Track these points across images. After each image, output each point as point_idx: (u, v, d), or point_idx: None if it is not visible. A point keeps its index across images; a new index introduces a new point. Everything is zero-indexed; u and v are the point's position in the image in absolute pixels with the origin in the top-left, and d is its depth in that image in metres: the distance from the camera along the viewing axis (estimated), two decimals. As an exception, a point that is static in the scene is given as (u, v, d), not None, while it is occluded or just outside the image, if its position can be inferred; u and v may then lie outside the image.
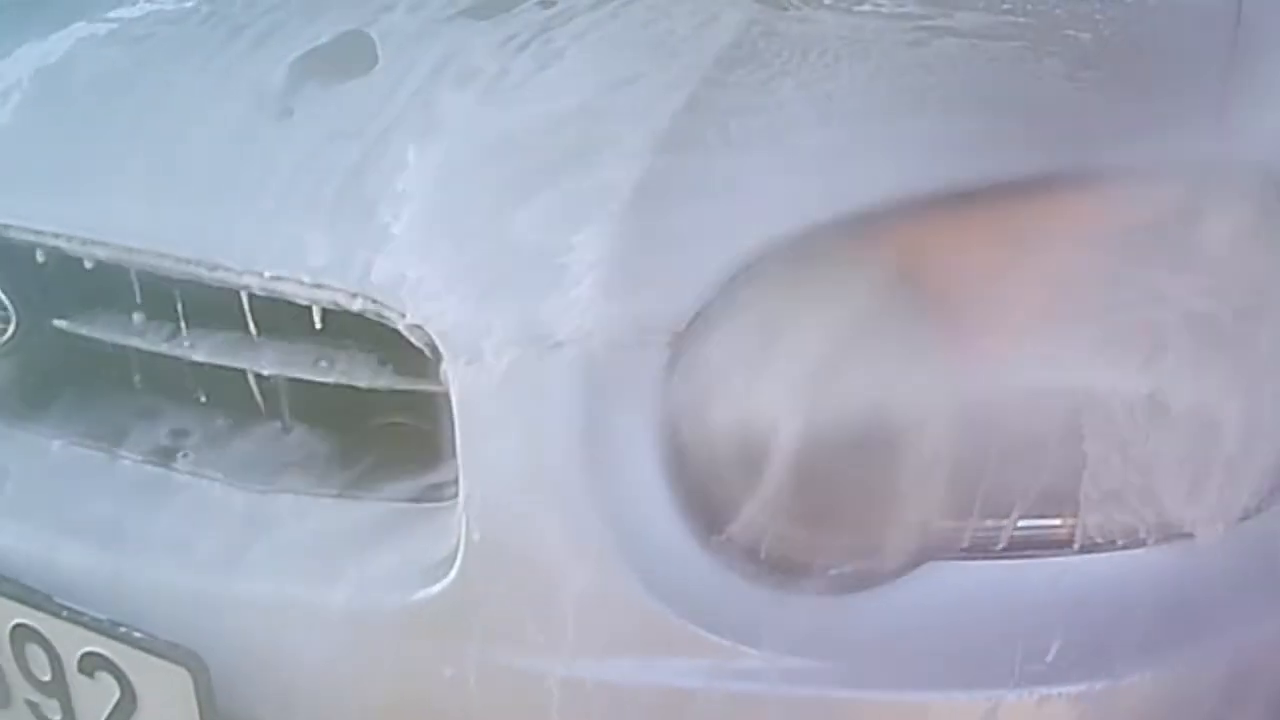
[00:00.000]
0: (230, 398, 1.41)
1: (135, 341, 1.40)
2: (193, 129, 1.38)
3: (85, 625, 1.31)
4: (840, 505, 1.17)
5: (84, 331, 1.42)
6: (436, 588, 1.22)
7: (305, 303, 1.28)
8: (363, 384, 1.30)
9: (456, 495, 1.23)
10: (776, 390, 1.16)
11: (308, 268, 1.27)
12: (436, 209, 1.25)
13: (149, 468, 1.39)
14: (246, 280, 1.30)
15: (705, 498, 1.17)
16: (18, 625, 1.35)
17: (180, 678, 1.27)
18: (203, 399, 1.43)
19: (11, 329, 1.44)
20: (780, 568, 1.17)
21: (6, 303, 1.44)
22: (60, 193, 1.39)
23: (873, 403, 1.15)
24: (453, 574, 1.21)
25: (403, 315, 1.23)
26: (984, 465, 1.15)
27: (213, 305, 1.35)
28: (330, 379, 1.32)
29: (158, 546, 1.33)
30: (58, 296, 1.43)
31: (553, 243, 1.20)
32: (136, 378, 1.46)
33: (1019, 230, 1.16)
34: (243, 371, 1.37)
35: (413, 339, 1.23)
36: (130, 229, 1.35)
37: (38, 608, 1.33)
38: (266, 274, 1.29)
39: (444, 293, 1.22)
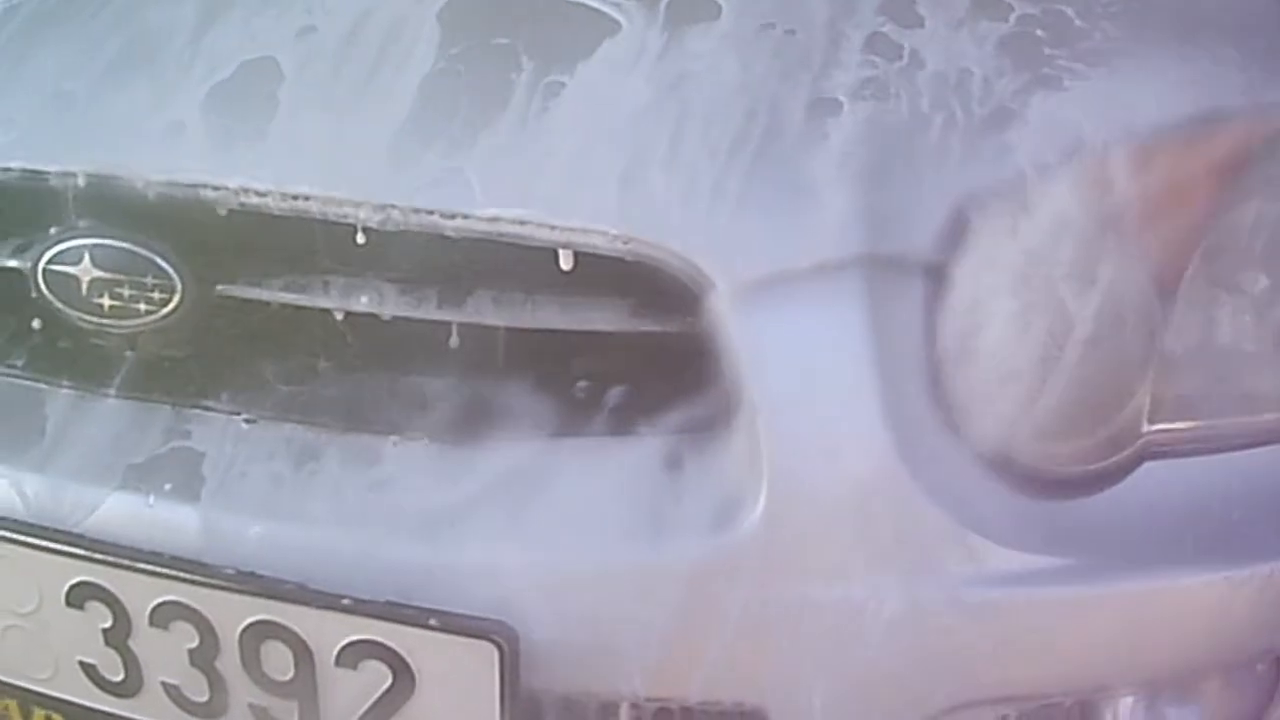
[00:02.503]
0: (426, 357, 1.38)
1: (333, 304, 1.36)
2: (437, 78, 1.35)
3: (352, 612, 1.28)
4: (1073, 414, 1.35)
5: (265, 297, 1.37)
6: (744, 524, 1.27)
7: (564, 248, 1.28)
8: (620, 329, 1.32)
9: (725, 428, 1.29)
10: (1017, 311, 1.33)
11: (573, 213, 1.28)
12: (696, 149, 1.30)
13: (369, 438, 1.35)
14: (496, 228, 1.29)
15: (966, 414, 1.32)
16: (255, 624, 1.30)
17: (481, 653, 1.27)
18: (401, 362, 1.39)
19: (177, 299, 1.37)
20: (1030, 476, 1.34)
21: (172, 272, 1.37)
22: (261, 142, 1.34)
23: (1102, 320, 1.33)
24: (759, 509, 1.26)
25: (675, 254, 1.27)
26: (1194, 372, 1.37)
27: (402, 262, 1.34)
28: (586, 327, 1.32)
29: (416, 520, 1.31)
30: (226, 262, 1.37)
31: (817, 176, 1.29)
32: (317, 345, 1.40)
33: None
34: (435, 327, 1.35)
35: (683, 277, 1.27)
36: (351, 179, 1.32)
37: (286, 600, 1.29)
38: (520, 221, 1.28)
39: (719, 229, 1.27)
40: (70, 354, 1.43)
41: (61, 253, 1.38)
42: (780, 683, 1.28)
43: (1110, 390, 1.30)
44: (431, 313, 1.33)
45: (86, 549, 1.32)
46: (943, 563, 1.26)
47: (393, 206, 1.29)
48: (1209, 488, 1.33)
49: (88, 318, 1.39)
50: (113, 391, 1.40)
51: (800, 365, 1.25)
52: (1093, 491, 1.31)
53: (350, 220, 1.30)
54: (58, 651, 1.37)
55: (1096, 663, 1.31)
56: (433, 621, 1.25)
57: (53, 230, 1.39)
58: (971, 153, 1.29)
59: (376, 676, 1.28)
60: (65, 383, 1.42)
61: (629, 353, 1.32)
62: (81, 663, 1.37)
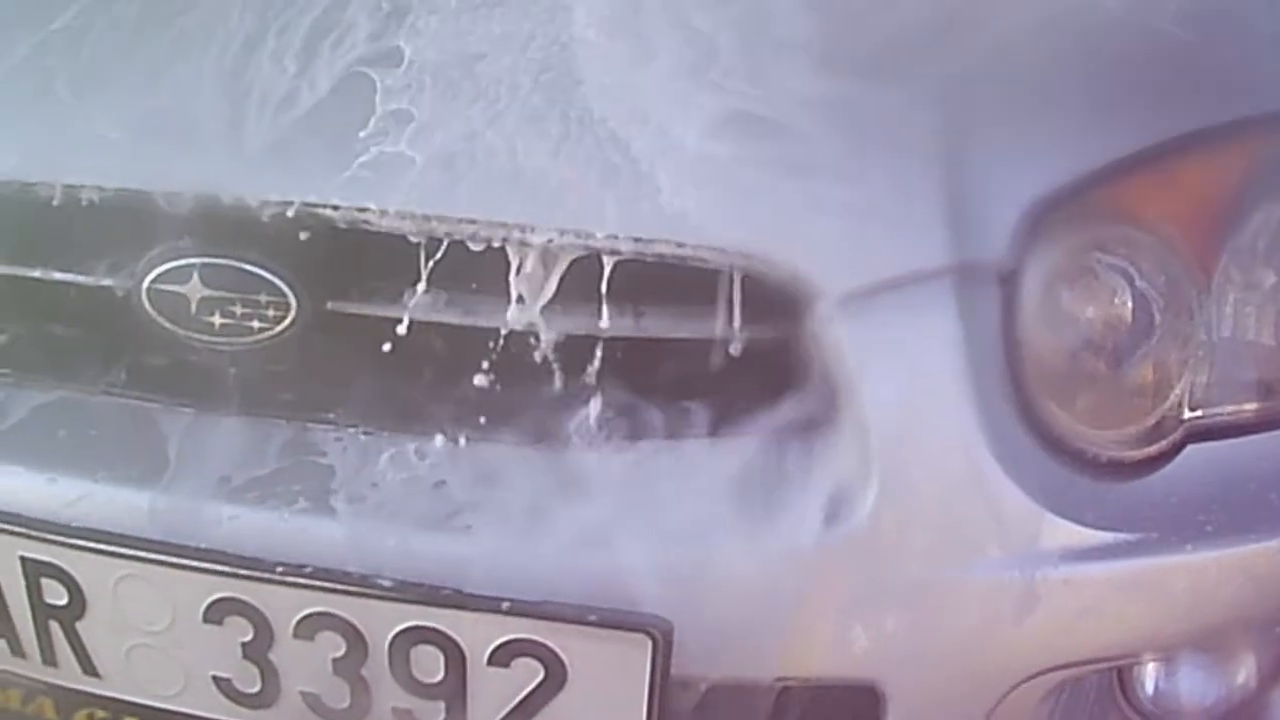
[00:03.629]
0: (544, 369, 1.44)
1: (449, 318, 1.42)
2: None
3: (511, 613, 1.35)
4: (1127, 404, 1.52)
5: (379, 313, 1.42)
6: (857, 515, 1.38)
7: (671, 261, 1.37)
8: (717, 336, 1.41)
9: (829, 427, 1.41)
10: (1079, 311, 1.49)
11: (676, 227, 1.37)
12: (791, 160, 1.41)
13: (496, 447, 1.43)
14: (612, 245, 1.36)
15: (1038, 407, 1.48)
16: (407, 629, 1.37)
17: (635, 645, 1.36)
18: (521, 373, 1.44)
19: (292, 316, 1.42)
20: (1094, 461, 1.51)
21: (285, 289, 1.41)
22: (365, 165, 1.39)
23: (1150, 316, 1.51)
24: (870, 500, 1.38)
25: (783, 265, 1.37)
26: (1226, 362, 1.55)
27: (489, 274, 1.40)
28: (693, 335, 1.41)
29: (555, 523, 1.38)
30: (339, 278, 1.42)
31: (907, 188, 1.41)
32: (433, 358, 1.46)
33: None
34: (550, 340, 1.42)
35: (789, 286, 1.37)
36: (466, 197, 1.38)
37: (443, 605, 1.36)
38: (629, 236, 1.37)
39: (825, 241, 1.38)
40: (179, 372, 1.46)
41: (167, 272, 1.41)
42: (891, 657, 1.39)
43: (1157, 381, 1.45)
44: (549, 326, 1.39)
45: (232, 565, 1.34)
46: (1028, 542, 1.39)
47: (506, 225, 1.37)
48: (1244, 468, 1.49)
49: (197, 336, 1.42)
50: (227, 408, 1.43)
51: (902, 368, 1.36)
52: (1146, 473, 1.46)
53: (462, 237, 1.36)
54: (188, 667, 1.40)
55: (1158, 628, 1.45)
56: (592, 618, 1.32)
57: (157, 249, 1.41)
58: (1038, 159, 1.41)
59: (527, 673, 1.35)
60: (178, 401, 1.45)
61: (732, 358, 1.41)
62: (214, 677, 1.40)
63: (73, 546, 1.39)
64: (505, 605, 1.31)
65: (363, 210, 1.37)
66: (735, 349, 1.40)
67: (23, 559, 1.40)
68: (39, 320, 1.50)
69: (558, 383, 1.42)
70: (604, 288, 1.38)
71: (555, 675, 1.34)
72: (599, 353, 1.41)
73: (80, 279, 1.46)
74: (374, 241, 1.38)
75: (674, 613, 1.33)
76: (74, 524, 1.39)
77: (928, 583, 1.37)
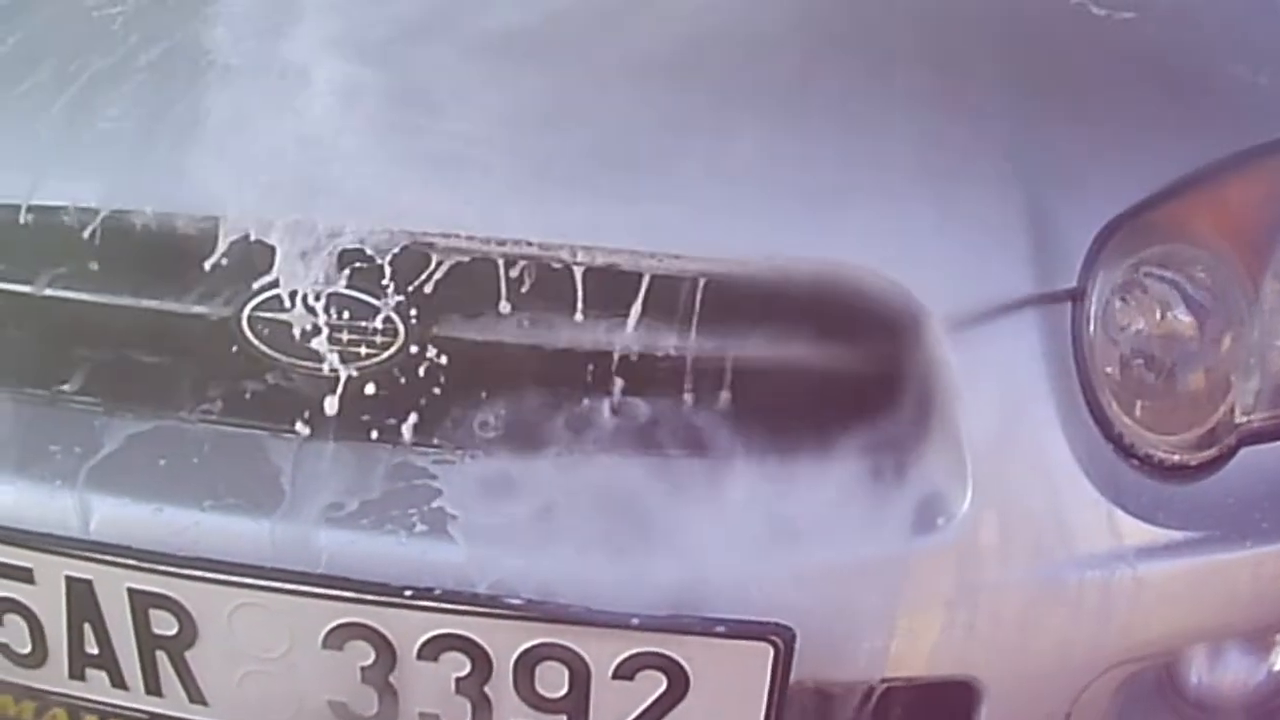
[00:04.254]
0: (653, 388, 1.49)
1: (559, 342, 1.45)
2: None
3: (640, 629, 1.39)
4: (1188, 411, 1.61)
5: (488, 337, 1.45)
6: (954, 521, 1.44)
7: (782, 284, 1.42)
8: (825, 355, 1.47)
9: (922, 441, 1.47)
10: (1141, 328, 1.59)
11: (788, 248, 1.43)
12: (891, 188, 1.48)
13: (591, 465, 1.45)
14: (721, 268, 1.42)
15: (1111, 417, 1.56)
16: (534, 647, 1.40)
17: (757, 653, 1.41)
18: (605, 392, 1.49)
19: (399, 342, 1.45)
20: (1162, 465, 1.60)
21: (392, 314, 1.44)
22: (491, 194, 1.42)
23: (1205, 329, 1.60)
24: (965, 507, 1.45)
25: (890, 287, 1.43)
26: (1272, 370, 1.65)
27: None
28: (796, 354, 1.46)
29: (672, 539, 1.42)
30: (446, 303, 1.45)
31: (996, 218, 1.49)
32: (540, 379, 1.48)
33: None
34: (661, 360, 1.47)
35: (894, 308, 1.44)
36: (569, 224, 1.43)
37: (572, 623, 1.39)
38: (740, 260, 1.42)
39: (929, 265, 1.45)
40: (282, 398, 1.47)
41: (269, 300, 1.42)
42: (987, 654, 1.46)
43: (1211, 388, 1.54)
44: (658, 346, 1.44)
45: (358, 590, 1.36)
46: (1107, 542, 1.47)
47: (608, 249, 1.41)
48: None
49: (301, 363, 1.43)
50: (333, 434, 1.44)
51: (995, 385, 1.44)
52: (1206, 475, 1.54)
53: (566, 261, 1.41)
54: (303, 693, 1.41)
55: (1222, 620, 1.54)
56: (719, 629, 1.36)
57: (259, 278, 1.42)
58: (1104, 185, 1.50)
59: (650, 684, 1.39)
60: (282, 427, 1.46)
61: (837, 376, 1.47)
62: (330, 702, 1.42)
63: (186, 577, 1.38)
64: (635, 621, 1.34)
65: (465, 237, 1.38)
66: (841, 368, 1.46)
67: (130, 590, 1.40)
68: (128, 348, 1.50)
69: (668, 401, 1.45)
70: (716, 310, 1.44)
71: (677, 685, 1.38)
72: (708, 372, 1.44)
73: (175, 306, 1.46)
74: (479, 266, 1.40)
75: (791, 620, 1.36)
76: (187, 554, 1.37)
77: (1019, 582, 1.43)
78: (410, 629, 1.36)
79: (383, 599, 1.35)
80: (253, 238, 1.41)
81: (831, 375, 1.46)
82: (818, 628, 1.39)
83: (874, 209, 1.43)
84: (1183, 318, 1.50)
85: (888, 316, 1.42)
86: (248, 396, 1.47)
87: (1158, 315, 1.49)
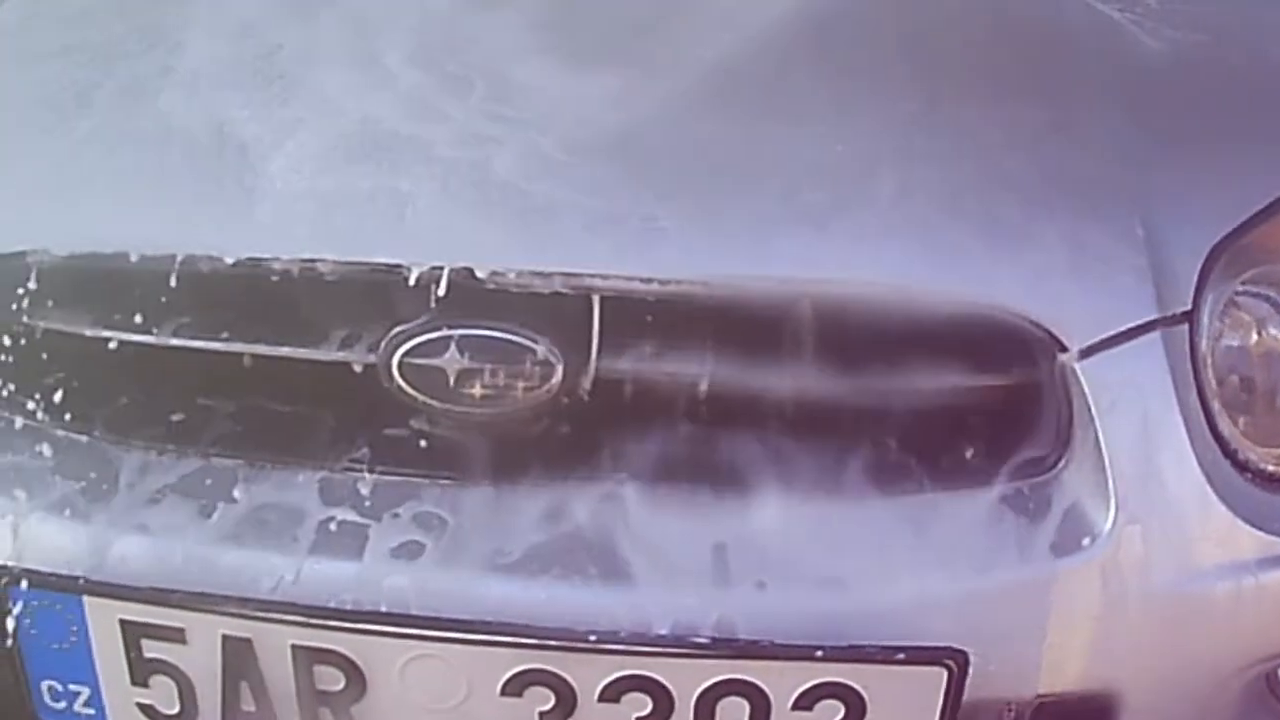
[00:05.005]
0: (803, 422, 1.50)
1: (706, 375, 1.46)
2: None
3: (823, 659, 1.41)
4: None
5: (645, 371, 1.45)
6: (1098, 539, 1.48)
7: (928, 316, 1.45)
8: (971, 384, 1.50)
9: (1056, 465, 1.53)
10: (1248, 347, 1.66)
11: (929, 285, 1.47)
12: (1026, 224, 1.53)
13: (758, 503, 1.46)
14: (869, 297, 1.44)
15: (1227, 433, 1.63)
16: (716, 684, 1.41)
17: (931, 677, 1.44)
18: (770, 427, 1.50)
19: (557, 383, 1.45)
20: (1270, 478, 1.67)
21: (550, 353, 1.44)
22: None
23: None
24: (1108, 526, 1.49)
25: (1029, 320, 1.47)
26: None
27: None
28: (943, 384, 1.49)
29: (841, 570, 1.45)
30: (603, 342, 1.45)
31: (1121, 247, 1.54)
32: (685, 415, 1.49)
33: None
34: (808, 395, 1.47)
35: (1030, 339, 1.48)
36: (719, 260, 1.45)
37: (757, 658, 1.41)
38: (891, 290, 1.45)
39: (1064, 298, 1.50)
40: (435, 444, 1.47)
41: (420, 345, 1.42)
42: (1130, 664, 1.51)
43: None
44: (814, 382, 1.46)
45: (540, 637, 1.36)
46: (1233, 552, 1.53)
47: (762, 285, 1.43)
48: None
49: (455, 407, 1.43)
50: (491, 478, 1.45)
51: (1130, 406, 1.48)
52: None
53: (720, 297, 1.42)
54: (479, 739, 1.40)
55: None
56: (900, 656, 1.39)
57: (404, 324, 1.42)
58: (1210, 210, 1.56)
59: (829, 713, 1.41)
60: (437, 474, 1.45)
61: (982, 403, 1.51)
62: (505, 747, 1.40)
63: (356, 631, 1.36)
64: (819, 653, 1.35)
65: (621, 276, 1.40)
66: (985, 399, 1.50)
67: (294, 647, 1.38)
68: (263, 399, 1.49)
69: (824, 436, 1.48)
70: (866, 346, 1.45)
71: (854, 712, 1.41)
72: (861, 406, 1.46)
73: (314, 354, 1.45)
74: (636, 304, 1.41)
75: (960, 643, 1.39)
76: (356, 608, 1.35)
77: (1158, 595, 1.48)
78: (592, 672, 1.36)
79: (566, 644, 1.34)
80: (409, 282, 1.39)
81: (976, 406, 1.50)
82: (977, 649, 1.41)
83: (1010, 247, 1.49)
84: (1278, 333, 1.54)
85: (1027, 349, 1.47)
86: (399, 444, 1.46)
87: (1255, 333, 1.54)
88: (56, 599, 1.43)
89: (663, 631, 1.36)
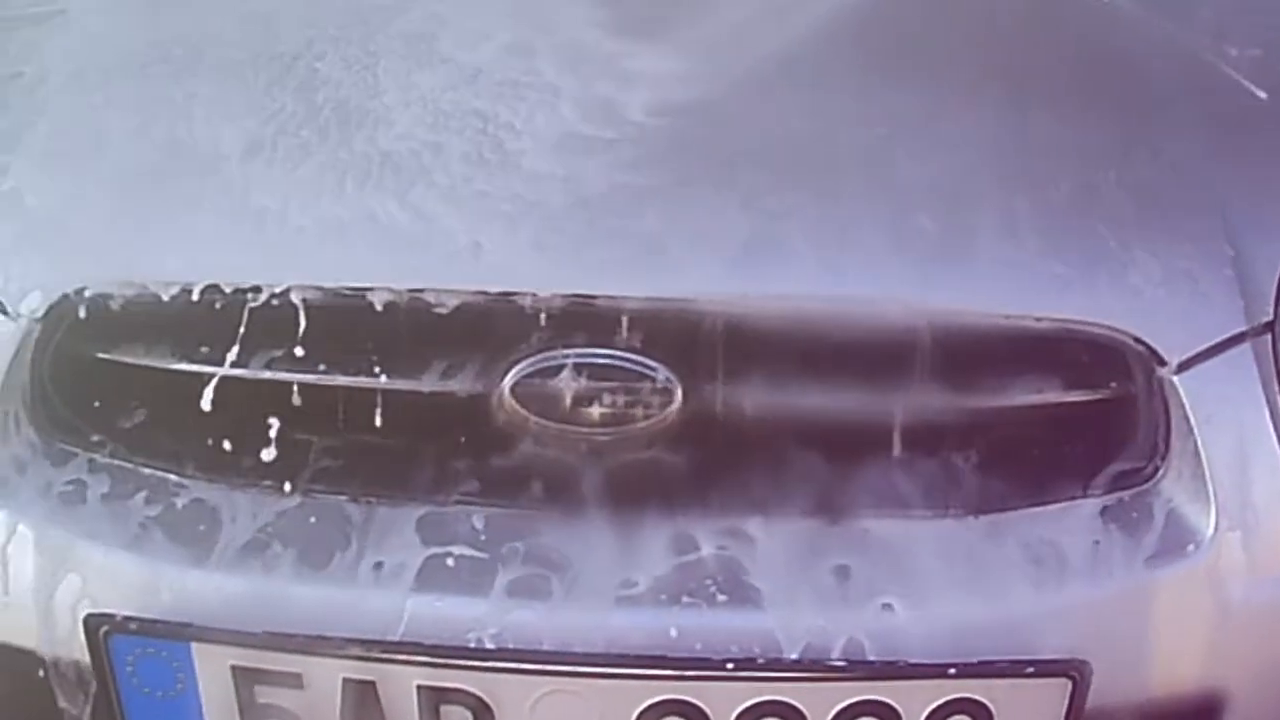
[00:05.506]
0: (911, 441, 1.50)
1: (825, 401, 1.45)
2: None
3: (955, 676, 1.42)
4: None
5: (765, 396, 1.45)
6: (1202, 546, 1.51)
7: (1031, 335, 1.48)
8: (1073, 399, 1.52)
9: (1155, 476, 1.56)
10: None
11: (1036, 306, 1.49)
12: (1122, 244, 1.55)
13: (877, 524, 1.48)
14: (983, 320, 1.47)
15: None
16: (851, 705, 1.42)
17: (1056, 688, 1.45)
18: (896, 448, 1.50)
19: (677, 408, 1.44)
20: None
21: (672, 380, 1.43)
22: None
23: None
24: (1209, 533, 1.51)
25: (1127, 336, 1.50)
26: None
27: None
28: (1045, 400, 1.51)
29: (963, 587, 1.46)
30: (721, 366, 1.45)
31: (1212, 262, 1.57)
32: (806, 440, 1.48)
33: None
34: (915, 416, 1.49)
35: (1129, 354, 1.51)
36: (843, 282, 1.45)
37: (890, 678, 1.41)
38: (1004, 313, 1.48)
39: (1162, 313, 1.53)
40: (554, 474, 1.45)
41: (534, 371, 1.41)
42: (1234, 665, 1.54)
43: None
44: (931, 402, 1.47)
45: (676, 667, 1.36)
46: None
47: (882, 307, 1.44)
48: None
49: (571, 428, 1.42)
50: (610, 507, 1.43)
51: (1225, 416, 1.50)
52: None
53: (842, 321, 1.42)
54: (608, 771, 1.39)
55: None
56: (1029, 669, 1.40)
57: (518, 350, 1.41)
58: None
59: (954, 732, 1.41)
60: (557, 504, 1.44)
61: (1085, 417, 1.53)
62: (638, 777, 1.39)
63: (485, 669, 1.35)
64: (952, 670, 1.36)
65: (742, 296, 1.40)
66: (1089, 415, 1.51)
67: (420, 688, 1.36)
68: (362, 432, 1.45)
69: (940, 456, 1.49)
70: (975, 366, 1.47)
71: (982, 728, 1.39)
72: (974, 425, 1.49)
73: (419, 385, 1.43)
74: (757, 327, 1.40)
75: (1079, 653, 1.41)
76: (487, 646, 1.34)
77: (1259, 597, 1.50)
78: (727, 699, 1.36)
79: (704, 673, 1.33)
80: (526, 309, 1.38)
81: (1079, 422, 1.52)
82: (1096, 658, 1.42)
83: (1110, 269, 1.51)
84: None
85: (1126, 365, 1.49)
86: (511, 475, 1.43)
87: None
88: (162, 646, 1.39)
89: (794, 656, 1.34)
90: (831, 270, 1.44)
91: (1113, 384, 1.51)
